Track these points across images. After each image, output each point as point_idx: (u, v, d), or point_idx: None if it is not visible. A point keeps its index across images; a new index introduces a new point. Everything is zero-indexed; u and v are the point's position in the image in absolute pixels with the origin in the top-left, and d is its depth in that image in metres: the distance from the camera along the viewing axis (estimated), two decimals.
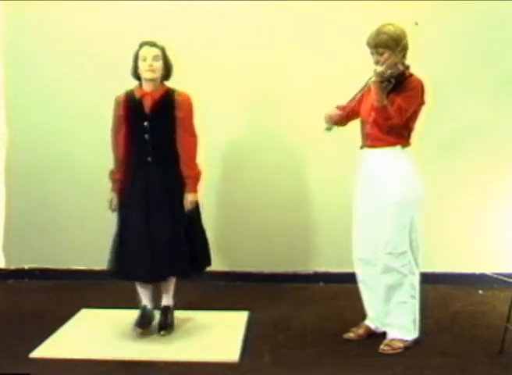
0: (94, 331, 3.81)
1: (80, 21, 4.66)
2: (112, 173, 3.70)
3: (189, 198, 3.61)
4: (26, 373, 3.17)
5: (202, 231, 3.75)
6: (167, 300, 3.80)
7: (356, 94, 3.52)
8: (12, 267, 4.89)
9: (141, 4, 4.59)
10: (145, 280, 3.70)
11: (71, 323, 3.94)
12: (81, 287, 4.59)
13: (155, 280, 3.71)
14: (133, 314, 3.80)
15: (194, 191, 3.63)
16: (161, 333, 3.70)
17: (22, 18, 4.71)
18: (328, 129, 3.58)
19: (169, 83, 3.69)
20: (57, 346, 3.61)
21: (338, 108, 3.62)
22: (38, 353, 3.48)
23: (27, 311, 4.15)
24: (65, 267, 4.81)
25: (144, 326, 3.70)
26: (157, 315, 3.81)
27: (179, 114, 3.60)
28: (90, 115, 4.64)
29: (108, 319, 4.00)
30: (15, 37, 4.72)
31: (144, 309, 3.76)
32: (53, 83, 4.73)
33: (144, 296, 3.78)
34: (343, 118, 3.59)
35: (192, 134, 3.63)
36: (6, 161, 4.86)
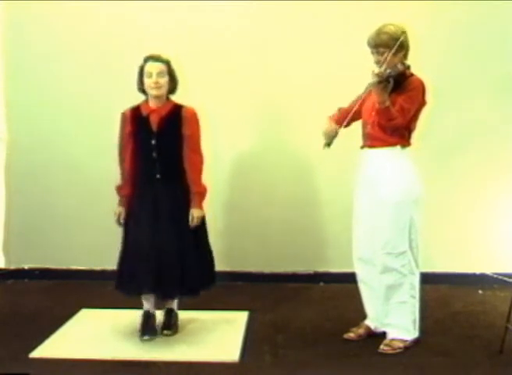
0: (94, 331, 3.81)
1: (81, 21, 4.66)
2: (120, 189, 3.67)
3: (195, 214, 3.60)
4: (26, 373, 3.17)
5: (209, 248, 3.73)
6: (171, 303, 3.79)
7: (356, 99, 3.51)
8: (12, 267, 4.89)
9: (143, 3, 4.59)
10: (155, 295, 3.67)
11: (71, 323, 3.94)
12: (81, 287, 4.59)
13: (165, 296, 3.70)
14: (133, 314, 3.80)
15: (200, 207, 3.63)
16: (165, 332, 3.70)
17: (22, 18, 4.71)
18: (328, 145, 3.54)
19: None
20: (57, 346, 3.60)
21: (339, 110, 3.62)
22: (38, 353, 3.48)
23: (27, 311, 4.15)
24: (65, 267, 4.81)
25: (150, 333, 3.68)
26: (159, 315, 3.80)
27: (187, 131, 3.59)
28: (91, 115, 4.64)
29: (108, 319, 4.00)
30: (15, 36, 4.72)
31: (146, 315, 3.75)
32: (53, 83, 4.73)
33: (146, 300, 3.76)
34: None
35: (198, 152, 3.63)
36: (6, 161, 4.86)
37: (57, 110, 4.75)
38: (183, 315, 3.88)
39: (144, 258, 3.55)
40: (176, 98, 3.66)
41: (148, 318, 3.74)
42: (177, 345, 3.60)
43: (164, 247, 3.55)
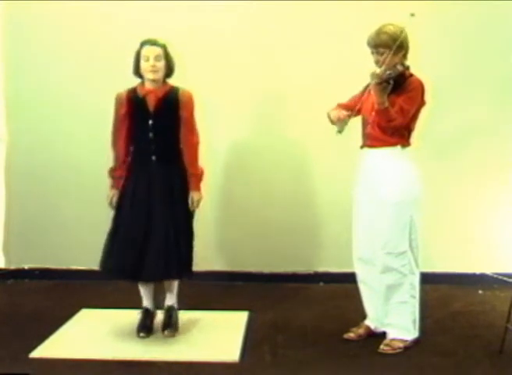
0: (94, 331, 3.81)
1: (81, 21, 4.66)
2: (112, 171, 3.68)
3: (195, 197, 3.62)
4: (26, 373, 3.17)
5: (192, 235, 3.69)
6: (170, 299, 3.78)
7: (358, 94, 3.50)
8: (12, 267, 4.89)
9: (143, 3, 4.58)
10: (140, 279, 3.66)
11: (71, 323, 3.94)
12: (81, 287, 4.59)
13: (149, 279, 3.68)
14: (133, 314, 3.80)
15: (199, 189, 3.64)
16: (165, 333, 3.69)
17: (22, 18, 4.71)
18: (340, 131, 3.44)
19: (171, 80, 3.67)
20: (57, 346, 3.60)
21: (339, 106, 3.60)
22: (38, 353, 3.48)
23: (27, 311, 4.15)
24: (65, 267, 4.81)
25: (146, 330, 3.69)
26: (160, 315, 3.81)
27: (184, 113, 3.60)
28: (91, 115, 4.64)
29: (108, 319, 4.00)
30: (15, 37, 4.72)
31: (145, 312, 3.76)
32: (53, 83, 4.73)
33: (146, 296, 3.77)
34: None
35: (195, 133, 3.64)
36: (6, 161, 4.86)
37: (57, 110, 4.75)
38: (183, 315, 3.88)
39: (132, 244, 3.54)
40: None
41: (146, 316, 3.75)
42: (177, 345, 3.60)
43: (154, 231, 3.54)
